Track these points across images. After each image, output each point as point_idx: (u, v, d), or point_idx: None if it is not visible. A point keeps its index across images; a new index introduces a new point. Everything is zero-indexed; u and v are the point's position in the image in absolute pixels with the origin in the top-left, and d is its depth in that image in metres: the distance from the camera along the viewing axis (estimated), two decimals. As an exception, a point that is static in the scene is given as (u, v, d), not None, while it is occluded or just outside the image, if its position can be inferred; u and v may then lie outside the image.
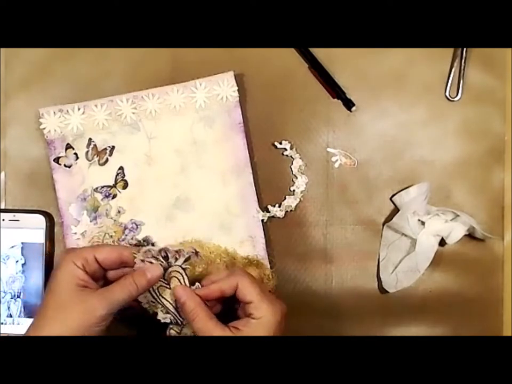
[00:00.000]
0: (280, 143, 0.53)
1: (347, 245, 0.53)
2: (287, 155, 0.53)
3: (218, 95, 0.52)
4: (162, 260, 0.46)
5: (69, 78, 0.53)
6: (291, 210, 0.53)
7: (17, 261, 0.52)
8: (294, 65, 0.53)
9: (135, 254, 0.45)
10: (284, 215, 0.53)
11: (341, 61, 0.53)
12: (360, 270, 0.53)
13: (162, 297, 0.46)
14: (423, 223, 0.51)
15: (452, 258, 0.53)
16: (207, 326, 0.42)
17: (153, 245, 0.51)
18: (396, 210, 0.53)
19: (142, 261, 0.45)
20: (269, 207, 0.53)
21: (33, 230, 0.52)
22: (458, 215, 0.51)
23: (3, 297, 0.52)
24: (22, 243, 0.52)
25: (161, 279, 0.46)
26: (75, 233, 0.52)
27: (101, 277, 0.46)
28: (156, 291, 0.46)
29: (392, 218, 0.52)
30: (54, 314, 0.41)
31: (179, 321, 0.46)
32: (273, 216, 0.52)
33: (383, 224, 0.53)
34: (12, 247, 0.52)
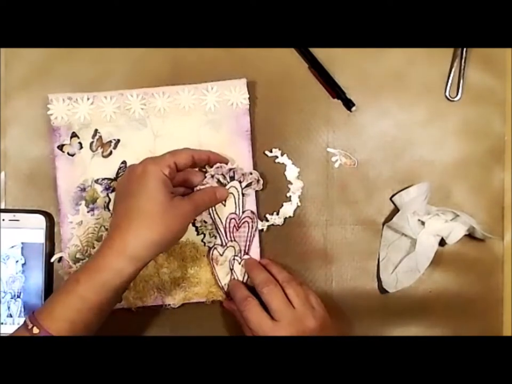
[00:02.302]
0: (271, 151, 0.53)
1: (347, 245, 0.53)
2: (279, 162, 0.53)
3: (228, 100, 0.52)
4: (229, 179, 0.50)
5: (69, 78, 0.53)
6: (290, 217, 0.53)
7: (17, 261, 0.52)
8: (294, 65, 0.53)
9: (208, 168, 0.50)
10: (283, 222, 0.53)
11: (341, 61, 0.53)
12: (360, 270, 0.54)
13: (216, 213, 0.50)
14: (423, 223, 0.51)
15: (452, 258, 0.53)
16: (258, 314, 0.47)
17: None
18: (396, 210, 0.53)
19: (212, 176, 0.49)
20: (267, 215, 0.52)
21: (33, 230, 0.52)
22: (458, 215, 0.51)
23: (3, 297, 0.52)
24: (22, 243, 0.52)
25: None
26: (71, 222, 0.51)
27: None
28: (212, 207, 0.50)
29: (392, 218, 0.52)
30: (154, 219, 0.43)
31: (224, 242, 0.50)
32: (272, 224, 0.53)
33: (383, 224, 0.53)
34: (12, 247, 0.52)
